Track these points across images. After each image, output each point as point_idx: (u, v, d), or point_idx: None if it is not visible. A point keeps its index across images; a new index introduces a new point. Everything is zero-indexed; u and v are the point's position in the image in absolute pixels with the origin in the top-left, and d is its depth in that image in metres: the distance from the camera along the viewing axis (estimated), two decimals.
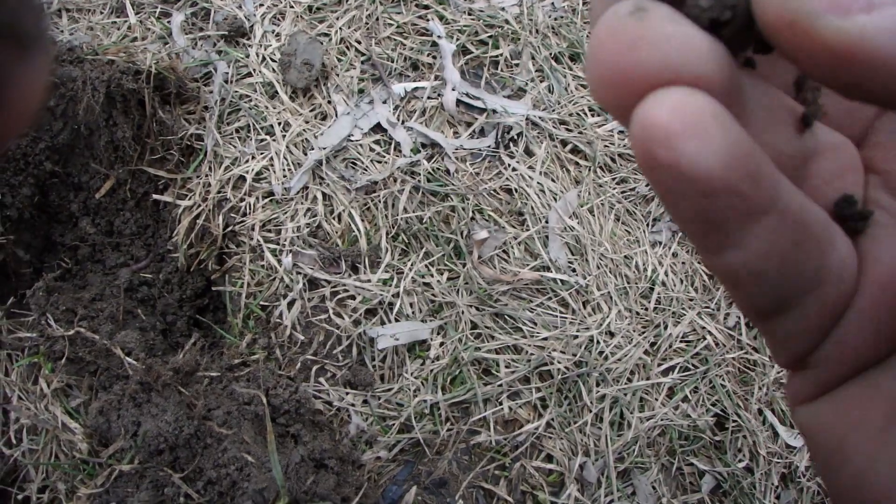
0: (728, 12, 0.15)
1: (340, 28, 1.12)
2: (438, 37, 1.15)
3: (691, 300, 1.11)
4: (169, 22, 1.08)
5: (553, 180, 1.12)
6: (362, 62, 1.11)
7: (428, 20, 1.17)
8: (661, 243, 1.14)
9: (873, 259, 0.18)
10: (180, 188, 1.01)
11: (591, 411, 0.99)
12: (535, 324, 1.01)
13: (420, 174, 1.04)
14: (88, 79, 0.91)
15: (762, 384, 1.10)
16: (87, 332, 0.87)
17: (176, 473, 0.77)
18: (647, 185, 1.16)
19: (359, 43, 1.12)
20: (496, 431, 0.96)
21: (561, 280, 1.04)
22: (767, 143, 0.17)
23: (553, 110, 1.17)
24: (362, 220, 0.99)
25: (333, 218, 1.00)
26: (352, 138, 1.04)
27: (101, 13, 1.08)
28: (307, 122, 1.04)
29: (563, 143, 1.16)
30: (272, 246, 0.97)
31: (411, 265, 1.00)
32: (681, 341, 1.08)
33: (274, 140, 1.02)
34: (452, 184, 1.05)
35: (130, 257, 1.02)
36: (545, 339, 1.01)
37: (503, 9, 1.22)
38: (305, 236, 0.98)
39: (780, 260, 0.16)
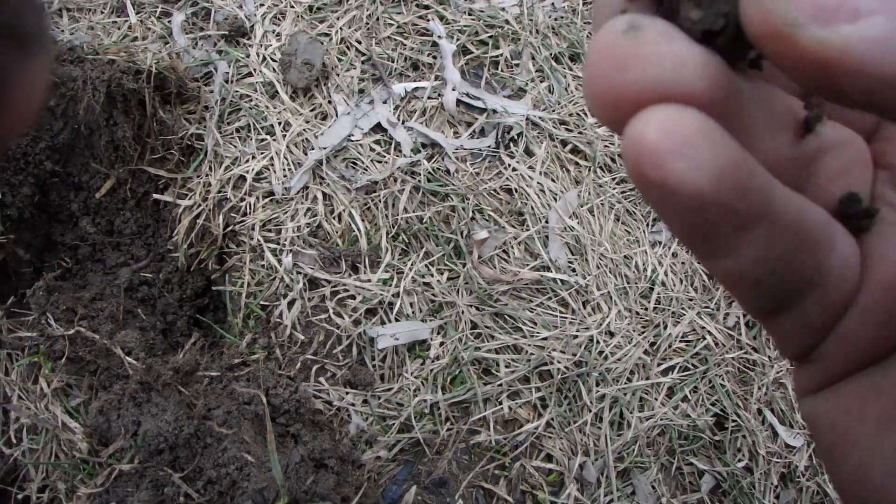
0: (721, 20, 0.15)
1: (341, 28, 1.12)
2: (439, 37, 1.15)
3: (691, 300, 1.11)
4: (169, 21, 1.08)
5: (553, 180, 1.12)
6: (363, 62, 1.11)
7: (428, 20, 1.17)
8: (660, 243, 1.14)
9: (878, 257, 0.18)
10: (181, 188, 1.01)
11: (590, 411, 0.99)
12: (535, 323, 1.02)
13: (420, 174, 1.04)
14: (89, 78, 0.91)
15: (762, 384, 1.10)
16: (88, 332, 0.87)
17: (176, 473, 0.77)
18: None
19: (359, 43, 1.12)
20: (496, 431, 0.96)
21: (561, 280, 1.04)
22: (770, 146, 0.17)
23: (553, 110, 1.17)
24: (362, 220, 0.99)
25: (334, 218, 1.00)
26: (352, 138, 1.04)
27: (102, 13, 1.08)
28: (307, 122, 1.04)
29: (563, 143, 1.16)
30: (272, 246, 0.97)
31: (411, 265, 1.00)
32: (680, 341, 1.08)
33: (274, 140, 1.02)
34: (452, 184, 1.05)
35: (131, 257, 1.02)
36: (545, 338, 1.01)
37: (503, 9, 1.22)
38: (306, 236, 0.98)
39: (775, 265, 0.16)
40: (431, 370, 0.96)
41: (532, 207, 1.08)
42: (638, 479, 0.99)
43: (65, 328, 0.87)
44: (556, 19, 1.26)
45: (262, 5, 1.12)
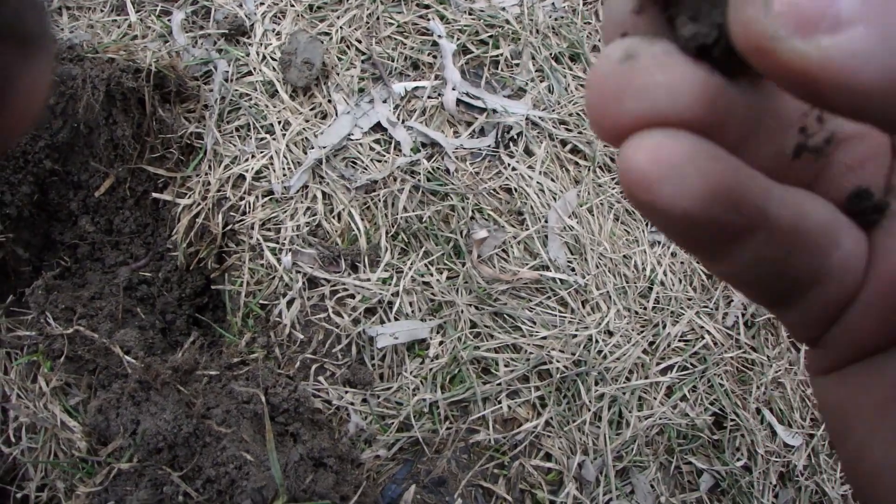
0: (714, 33, 0.15)
1: (341, 27, 1.12)
2: (439, 36, 1.15)
3: (690, 300, 1.12)
4: (169, 20, 1.08)
5: (552, 180, 1.12)
6: (363, 61, 1.11)
7: (428, 20, 1.17)
8: (659, 243, 1.14)
9: (884, 252, 0.18)
10: (180, 187, 1.01)
11: (589, 410, 1.00)
12: (535, 323, 1.02)
13: (420, 173, 1.04)
14: (88, 77, 0.91)
15: (760, 383, 1.10)
16: (87, 331, 0.87)
17: (175, 472, 0.77)
18: None
19: (359, 42, 1.12)
20: (495, 430, 0.96)
21: (560, 279, 1.04)
22: (776, 148, 0.18)
23: (553, 110, 1.17)
24: (362, 219, 0.99)
25: (333, 217, 1.00)
26: (352, 137, 1.04)
27: (102, 11, 1.08)
28: (307, 121, 1.04)
29: (563, 142, 1.16)
30: (272, 245, 0.97)
31: (411, 264, 1.00)
32: (679, 340, 1.08)
33: (274, 139, 1.02)
34: (452, 183, 1.05)
35: (130, 256, 1.02)
36: (544, 338, 1.01)
37: (504, 9, 1.22)
38: (305, 235, 0.98)
39: (774, 267, 0.17)
40: (431, 369, 0.96)
41: (531, 207, 1.08)
42: (637, 478, 1.00)
43: (64, 327, 0.87)
44: (556, 19, 1.26)
45: (262, 4, 1.12)
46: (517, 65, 1.20)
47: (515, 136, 1.13)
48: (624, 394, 1.02)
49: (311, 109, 1.06)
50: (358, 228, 0.98)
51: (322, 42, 1.07)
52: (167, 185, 1.02)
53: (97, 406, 0.79)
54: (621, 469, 0.99)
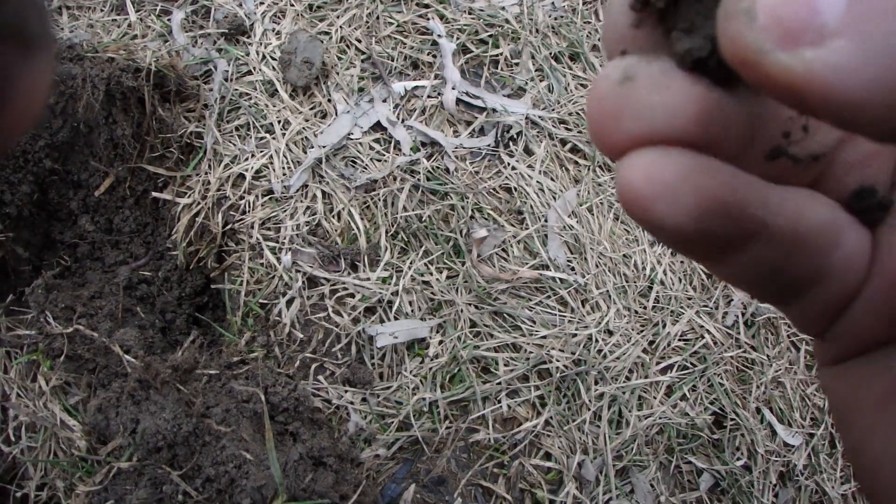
0: (708, 45, 0.15)
1: (341, 27, 1.12)
2: (439, 36, 1.15)
3: (690, 299, 1.12)
4: (169, 20, 1.08)
5: (552, 179, 1.12)
6: (362, 61, 1.11)
7: (428, 19, 1.17)
8: (659, 242, 1.14)
9: (888, 249, 0.18)
10: (180, 186, 1.01)
11: (589, 409, 0.99)
12: (534, 322, 1.02)
13: (420, 173, 1.04)
14: (88, 76, 0.91)
15: (760, 383, 1.10)
16: (86, 330, 0.87)
17: (174, 471, 0.77)
18: None
19: (359, 41, 1.12)
20: (495, 429, 0.96)
21: (560, 279, 1.04)
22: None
23: (553, 109, 1.17)
24: (362, 219, 0.99)
25: (333, 216, 1.00)
26: (351, 137, 1.04)
27: (102, 11, 1.08)
28: (307, 121, 1.04)
29: (563, 142, 1.16)
30: (271, 244, 0.97)
31: (410, 263, 1.00)
32: (679, 340, 1.08)
33: (274, 138, 1.02)
34: (452, 182, 1.05)
35: (130, 255, 1.02)
36: (544, 337, 1.01)
37: (503, 8, 1.22)
38: (305, 234, 0.98)
39: (772, 269, 0.17)
40: (430, 368, 0.96)
41: (531, 206, 1.08)
42: (637, 478, 0.99)
43: (63, 326, 0.87)
44: (555, 18, 1.26)
45: (261, 3, 1.12)
46: (517, 64, 1.20)
47: (515, 136, 1.13)
48: (624, 393, 1.02)
49: (311, 109, 1.06)
50: (358, 228, 0.98)
51: (322, 41, 1.07)
52: (167, 185, 1.02)
53: (97, 405, 0.79)
54: (621, 468, 0.99)
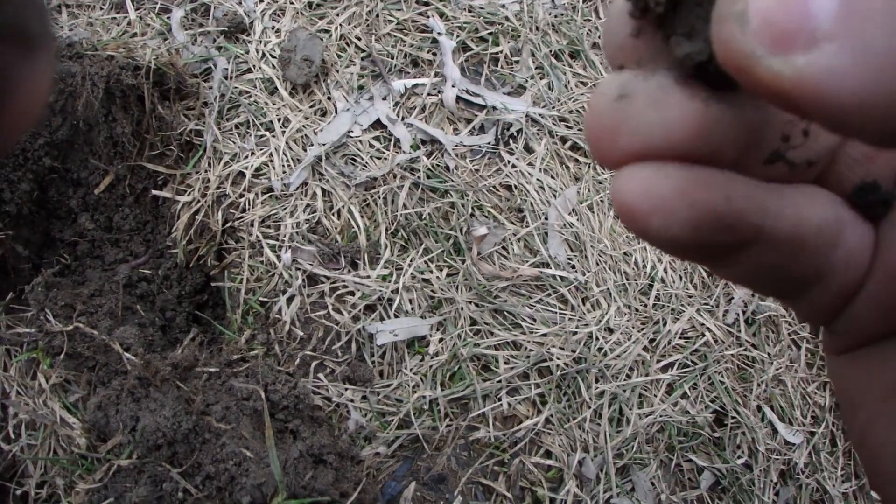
0: (707, 49, 0.15)
1: (340, 24, 1.12)
2: (438, 33, 1.15)
3: (690, 297, 1.11)
4: (169, 18, 1.08)
5: (552, 177, 1.12)
6: (362, 58, 1.11)
7: (428, 17, 1.17)
8: None
9: (890, 244, 0.18)
10: (179, 184, 1.01)
11: (590, 407, 0.99)
12: (535, 320, 1.01)
13: (420, 170, 1.03)
14: (88, 74, 0.91)
15: (761, 381, 1.10)
16: (86, 328, 0.87)
17: (174, 468, 0.77)
18: None
19: (359, 39, 1.12)
20: (495, 427, 0.96)
21: (560, 276, 1.04)
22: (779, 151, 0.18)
23: (553, 107, 1.17)
24: (362, 217, 0.99)
25: (333, 214, 1.00)
26: (351, 134, 1.04)
27: (101, 9, 1.08)
28: (307, 119, 1.04)
29: (563, 139, 1.16)
30: (271, 242, 0.97)
31: (410, 261, 1.00)
32: (680, 338, 1.08)
33: (273, 136, 1.02)
34: (452, 180, 1.05)
35: (129, 253, 1.02)
36: (544, 335, 1.01)
37: (503, 6, 1.22)
38: (305, 232, 0.98)
39: (773, 270, 0.17)
40: (430, 366, 0.96)
41: (531, 204, 1.08)
42: (637, 476, 0.99)
43: (63, 324, 0.87)
44: (555, 16, 1.26)
45: (261, 1, 1.12)
46: (517, 62, 1.20)
47: (515, 133, 1.13)
48: (624, 391, 1.01)
49: (311, 107, 1.06)
50: (357, 225, 0.98)
51: (321, 39, 1.07)
52: (167, 183, 1.02)
53: (97, 403, 0.79)
54: (622, 466, 0.99)
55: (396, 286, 0.97)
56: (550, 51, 1.22)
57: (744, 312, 1.14)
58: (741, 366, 1.11)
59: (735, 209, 0.16)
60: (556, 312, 1.03)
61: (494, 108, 1.12)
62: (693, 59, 0.15)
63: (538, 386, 0.99)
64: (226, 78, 1.05)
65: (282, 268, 0.96)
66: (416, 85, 1.11)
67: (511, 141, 1.12)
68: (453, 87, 1.11)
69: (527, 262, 1.04)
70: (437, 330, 0.98)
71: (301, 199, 0.99)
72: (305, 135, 1.03)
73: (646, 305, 1.08)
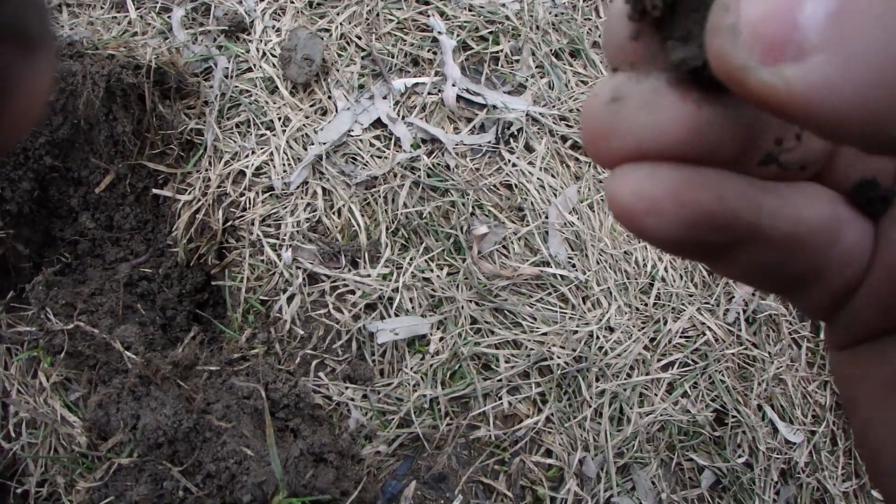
0: (703, 53, 0.15)
1: (341, 23, 1.12)
2: (439, 32, 1.15)
3: (691, 296, 1.11)
4: (169, 17, 1.08)
5: (553, 176, 1.12)
6: (363, 58, 1.11)
7: (428, 16, 1.17)
8: None
9: (889, 241, 0.18)
10: (180, 183, 1.01)
11: (590, 406, 0.99)
12: (535, 319, 1.01)
13: (420, 169, 1.04)
14: (88, 73, 0.91)
15: (761, 380, 1.10)
16: (87, 327, 0.87)
17: (175, 467, 0.77)
18: None
19: (359, 38, 1.12)
20: (496, 426, 0.96)
21: (561, 275, 1.04)
22: (776, 151, 0.18)
23: (553, 106, 1.17)
24: (362, 215, 0.99)
25: (333, 213, 1.00)
26: (352, 133, 1.04)
27: (102, 8, 1.08)
28: (307, 118, 1.04)
29: (564, 138, 1.16)
30: (272, 241, 0.97)
31: (411, 260, 1.00)
32: (680, 337, 1.08)
33: (274, 135, 1.02)
34: (452, 179, 1.05)
35: (130, 252, 1.02)
36: (545, 334, 1.01)
37: (504, 5, 1.22)
38: (305, 231, 0.98)
39: (771, 268, 0.18)
40: (431, 365, 0.96)
41: (532, 203, 1.08)
42: (638, 475, 0.99)
43: (64, 323, 0.87)
44: (556, 15, 1.26)
45: (261, 0, 1.12)
46: (517, 61, 1.20)
47: (516, 133, 1.13)
48: (625, 390, 1.01)
49: (311, 106, 1.06)
50: (358, 224, 0.98)
51: (322, 38, 1.07)
52: (167, 182, 1.02)
53: (97, 401, 0.79)
54: (622, 465, 0.99)
55: (397, 285, 0.97)
56: (551, 50, 1.22)
57: (744, 311, 1.14)
58: (742, 365, 1.11)
59: (729, 209, 0.16)
60: (556, 311, 1.03)
61: (495, 107, 1.12)
62: (688, 65, 0.15)
63: (539, 385, 0.99)
64: (226, 77, 1.05)
65: (282, 266, 0.96)
66: (416, 84, 1.11)
67: (511, 140, 1.12)
68: (454, 86, 1.11)
69: (527, 260, 1.04)
70: (438, 329, 0.98)
71: (301, 198, 0.99)
72: (306, 134, 1.03)
73: (646, 304, 1.08)
